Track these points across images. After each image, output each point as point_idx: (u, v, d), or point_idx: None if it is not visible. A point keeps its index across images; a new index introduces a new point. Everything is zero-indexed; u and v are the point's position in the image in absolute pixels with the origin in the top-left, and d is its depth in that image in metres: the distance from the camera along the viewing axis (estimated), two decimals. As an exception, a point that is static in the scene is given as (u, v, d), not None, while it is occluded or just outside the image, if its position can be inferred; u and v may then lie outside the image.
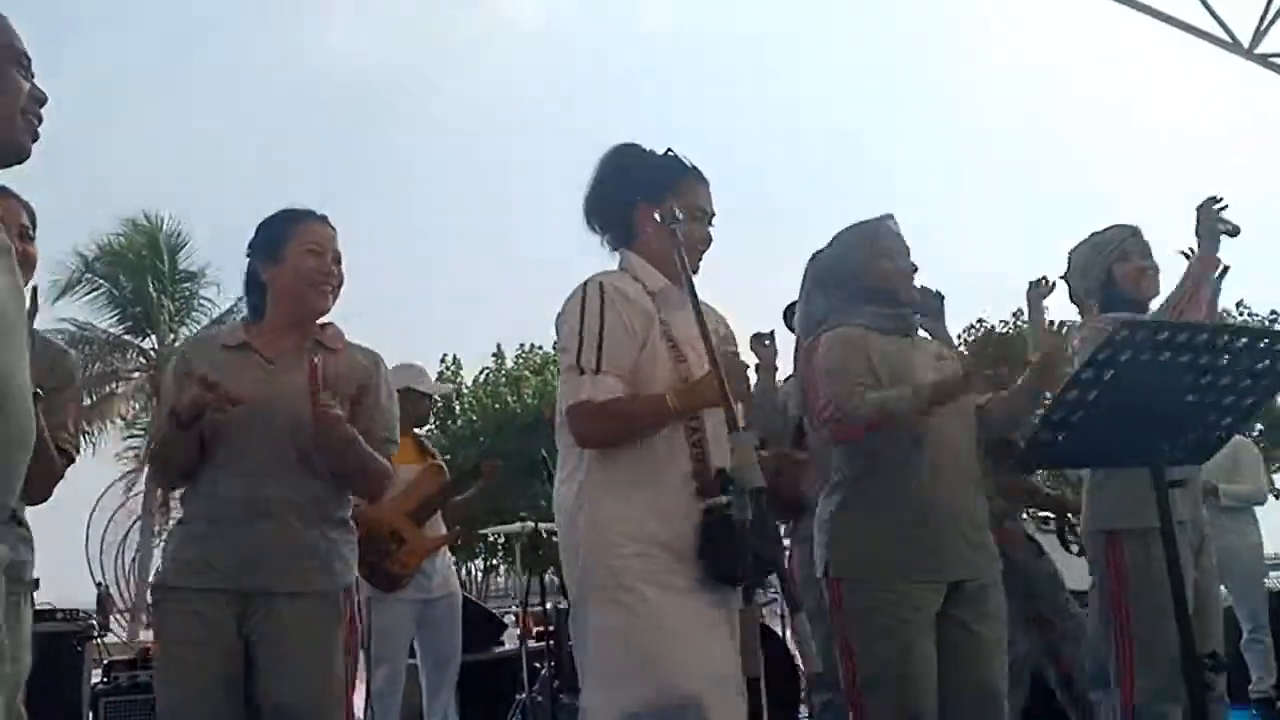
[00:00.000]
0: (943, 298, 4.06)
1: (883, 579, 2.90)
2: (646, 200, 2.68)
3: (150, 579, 2.54)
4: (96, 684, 5.45)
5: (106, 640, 7.57)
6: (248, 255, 2.96)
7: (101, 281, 24.91)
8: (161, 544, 2.88)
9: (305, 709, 2.66)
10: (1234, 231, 3.49)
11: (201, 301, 25.63)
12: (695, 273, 2.68)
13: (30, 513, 2.96)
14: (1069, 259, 3.66)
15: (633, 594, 2.43)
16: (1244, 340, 2.47)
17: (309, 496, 2.77)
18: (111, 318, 25.16)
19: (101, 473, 20.74)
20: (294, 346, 2.86)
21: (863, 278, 3.11)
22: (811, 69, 56.90)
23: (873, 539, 2.93)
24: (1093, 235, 3.60)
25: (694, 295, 2.39)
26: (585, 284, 2.63)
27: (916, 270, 3.16)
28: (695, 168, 2.76)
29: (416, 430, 5.19)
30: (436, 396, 5.27)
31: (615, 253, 2.79)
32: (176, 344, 22.01)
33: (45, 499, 2.97)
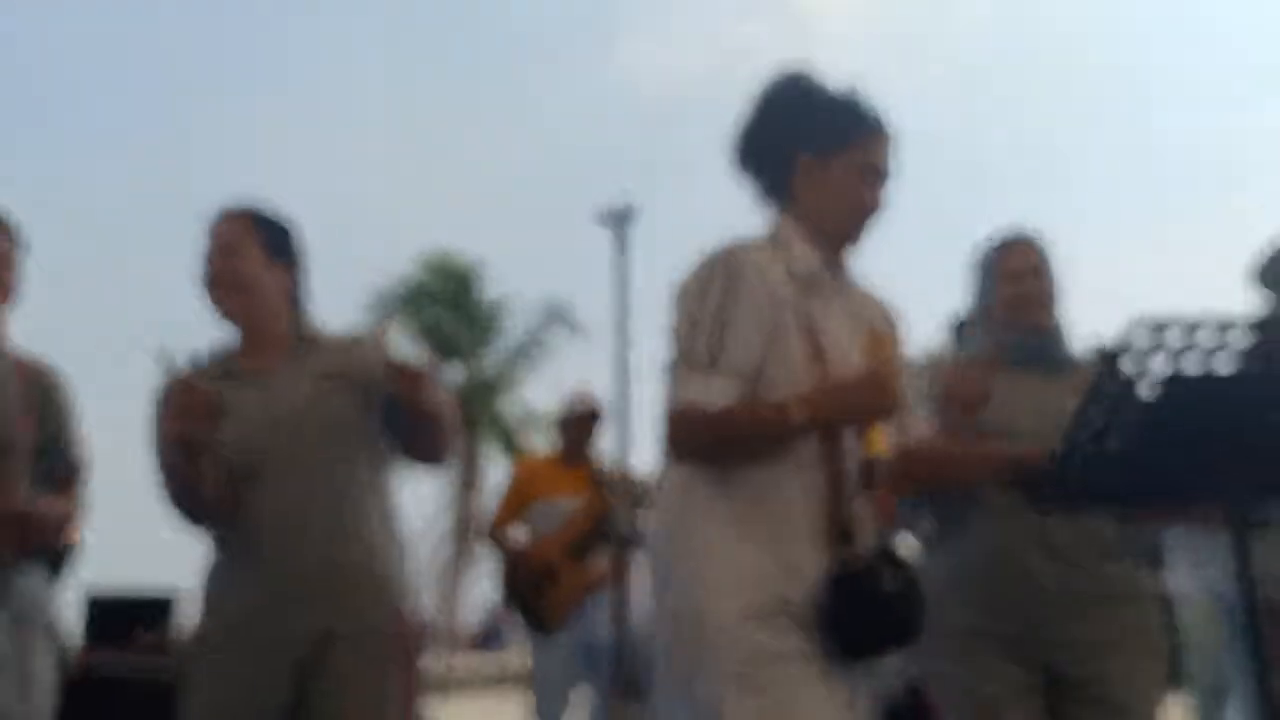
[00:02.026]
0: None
1: (958, 650, 2.48)
2: (812, 154, 2.14)
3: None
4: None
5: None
6: None
7: (405, 317, 26.13)
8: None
9: None
10: None
11: (502, 328, 25.18)
12: (857, 244, 2.22)
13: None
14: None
15: (767, 674, 1.90)
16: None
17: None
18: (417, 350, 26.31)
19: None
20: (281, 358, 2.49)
21: (985, 300, 2.66)
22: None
23: (944, 605, 2.46)
24: None
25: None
26: (715, 253, 2.07)
27: (1051, 296, 2.61)
28: (879, 119, 2.17)
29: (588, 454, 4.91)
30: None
31: (766, 209, 2.24)
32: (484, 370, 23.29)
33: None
